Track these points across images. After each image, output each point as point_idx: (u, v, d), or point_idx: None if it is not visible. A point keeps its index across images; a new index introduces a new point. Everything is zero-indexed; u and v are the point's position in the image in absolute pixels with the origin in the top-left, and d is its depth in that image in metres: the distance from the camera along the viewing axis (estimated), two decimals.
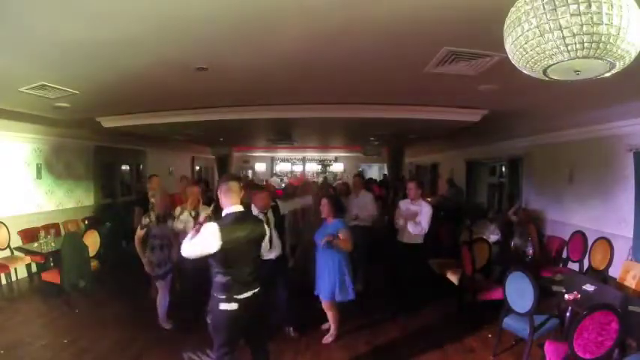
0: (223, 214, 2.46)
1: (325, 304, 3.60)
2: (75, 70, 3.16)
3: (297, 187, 6.15)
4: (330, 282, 3.48)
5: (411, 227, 4.11)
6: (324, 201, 3.61)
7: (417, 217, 4.12)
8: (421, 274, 4.57)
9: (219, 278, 2.37)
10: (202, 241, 2.29)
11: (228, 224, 2.38)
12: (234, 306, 2.35)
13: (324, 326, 3.82)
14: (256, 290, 2.47)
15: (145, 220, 3.74)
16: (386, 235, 4.61)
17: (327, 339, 3.66)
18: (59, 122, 5.53)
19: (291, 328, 3.80)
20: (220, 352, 2.40)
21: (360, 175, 6.27)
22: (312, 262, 3.78)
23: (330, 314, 3.64)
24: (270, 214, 3.66)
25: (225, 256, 2.32)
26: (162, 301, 3.85)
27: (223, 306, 2.35)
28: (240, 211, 2.49)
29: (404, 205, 4.36)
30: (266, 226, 3.81)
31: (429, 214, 4.12)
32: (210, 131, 7.56)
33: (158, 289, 3.86)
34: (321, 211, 3.62)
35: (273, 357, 3.39)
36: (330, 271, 3.49)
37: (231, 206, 2.46)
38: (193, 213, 3.91)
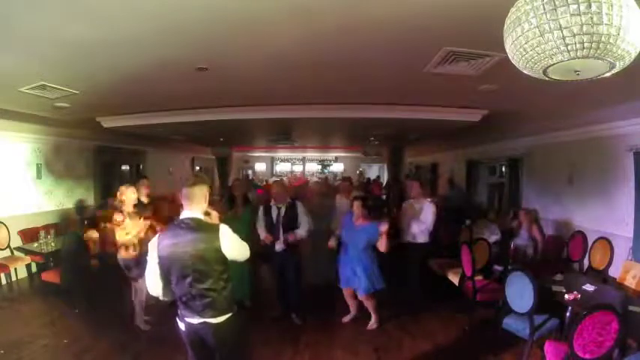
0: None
1: (364, 297, 3.87)
2: (75, 70, 3.15)
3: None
4: (367, 276, 3.75)
5: (415, 226, 4.26)
6: (357, 203, 3.82)
7: (420, 216, 4.26)
8: (424, 273, 4.62)
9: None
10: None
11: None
12: (182, 326, 2.16)
13: (345, 319, 4.08)
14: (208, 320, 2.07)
15: (119, 217, 3.71)
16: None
17: (372, 325, 3.94)
18: (59, 122, 5.52)
19: (295, 315, 4.11)
20: None
21: (348, 179, 6.23)
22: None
23: (369, 304, 3.92)
24: (282, 209, 3.97)
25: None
26: (140, 301, 3.81)
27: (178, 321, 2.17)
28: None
29: (407, 205, 4.52)
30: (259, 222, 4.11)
31: (433, 211, 4.30)
32: (210, 131, 7.54)
33: (136, 290, 3.83)
34: (356, 214, 3.81)
35: (272, 356, 3.42)
36: (365, 267, 3.75)
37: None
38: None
